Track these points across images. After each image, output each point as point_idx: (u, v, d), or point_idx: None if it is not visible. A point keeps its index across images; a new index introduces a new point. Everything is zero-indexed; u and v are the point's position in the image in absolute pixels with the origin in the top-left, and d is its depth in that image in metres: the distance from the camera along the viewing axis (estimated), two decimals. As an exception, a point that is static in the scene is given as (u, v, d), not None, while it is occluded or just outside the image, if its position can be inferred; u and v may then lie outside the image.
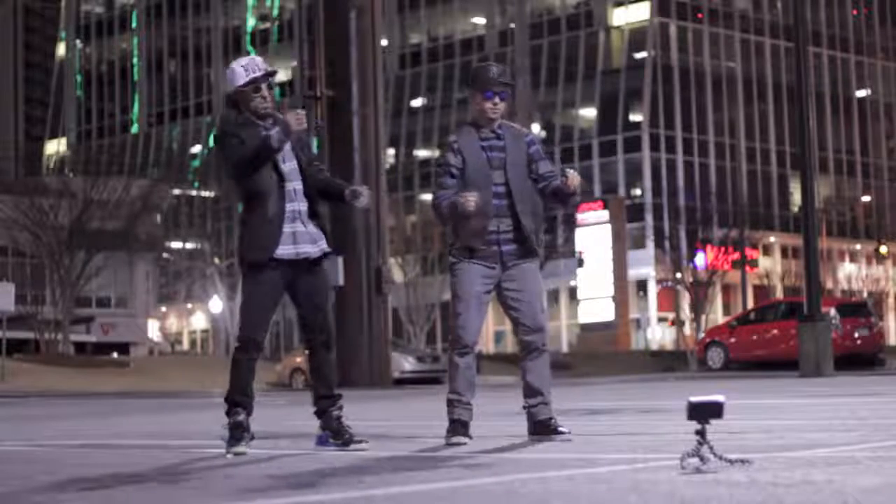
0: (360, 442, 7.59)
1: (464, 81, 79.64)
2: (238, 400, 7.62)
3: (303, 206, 7.68)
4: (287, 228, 7.60)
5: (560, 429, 7.83)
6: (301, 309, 7.74)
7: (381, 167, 34.16)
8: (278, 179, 7.59)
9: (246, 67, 7.64)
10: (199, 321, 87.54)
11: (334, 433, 7.63)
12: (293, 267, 7.66)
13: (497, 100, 7.89)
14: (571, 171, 7.85)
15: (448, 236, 8.08)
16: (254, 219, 7.64)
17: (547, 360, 7.97)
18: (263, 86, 7.63)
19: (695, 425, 5.43)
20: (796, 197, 69.83)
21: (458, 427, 7.81)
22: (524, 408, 7.96)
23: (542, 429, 7.85)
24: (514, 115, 55.28)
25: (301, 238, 7.65)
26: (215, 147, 7.86)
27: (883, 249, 77.35)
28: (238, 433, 7.54)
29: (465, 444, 7.66)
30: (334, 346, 7.81)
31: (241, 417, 7.59)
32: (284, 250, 7.61)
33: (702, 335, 48.71)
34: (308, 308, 7.71)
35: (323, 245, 7.75)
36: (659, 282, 70.85)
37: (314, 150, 8.06)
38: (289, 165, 7.67)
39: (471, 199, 7.61)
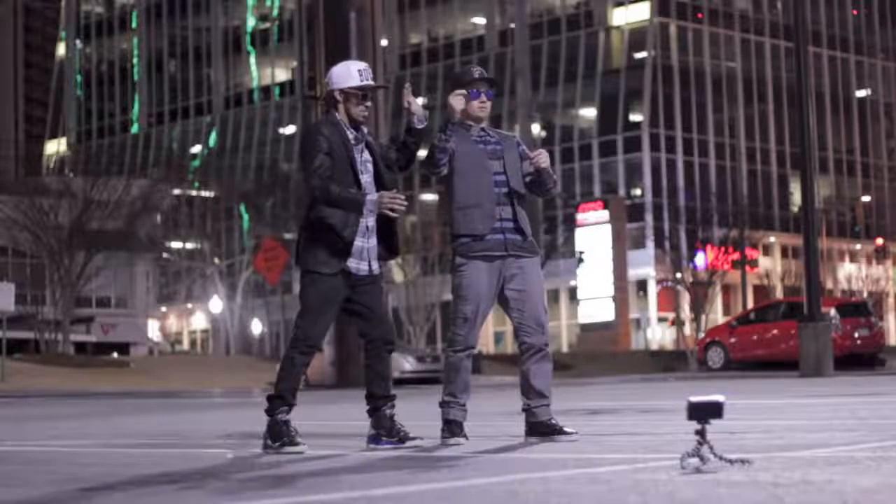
0: (416, 439, 7.64)
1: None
2: (289, 399, 7.62)
3: (371, 221, 7.64)
4: (358, 242, 7.60)
5: (566, 429, 7.80)
6: (360, 317, 7.73)
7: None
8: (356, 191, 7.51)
9: (361, 72, 7.49)
10: (199, 321, 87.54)
11: (388, 431, 7.68)
12: (354, 277, 7.67)
13: (484, 98, 7.80)
14: (539, 150, 7.76)
15: (450, 235, 7.98)
16: (324, 227, 7.57)
17: (550, 361, 7.92)
18: (369, 94, 7.50)
19: (695, 425, 5.43)
20: (796, 197, 69.80)
21: (454, 427, 7.81)
22: (524, 409, 7.94)
23: (544, 429, 7.80)
24: (512, 114, 55.16)
25: (370, 254, 7.67)
26: (301, 143, 7.74)
27: (879, 241, 77.29)
28: (288, 431, 7.54)
29: (462, 444, 7.67)
30: (394, 349, 7.85)
31: (290, 416, 7.62)
32: (350, 263, 7.61)
33: (702, 335, 48.68)
34: (367, 317, 7.71)
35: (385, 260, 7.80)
36: (659, 282, 70.84)
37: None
38: (366, 178, 7.59)
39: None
